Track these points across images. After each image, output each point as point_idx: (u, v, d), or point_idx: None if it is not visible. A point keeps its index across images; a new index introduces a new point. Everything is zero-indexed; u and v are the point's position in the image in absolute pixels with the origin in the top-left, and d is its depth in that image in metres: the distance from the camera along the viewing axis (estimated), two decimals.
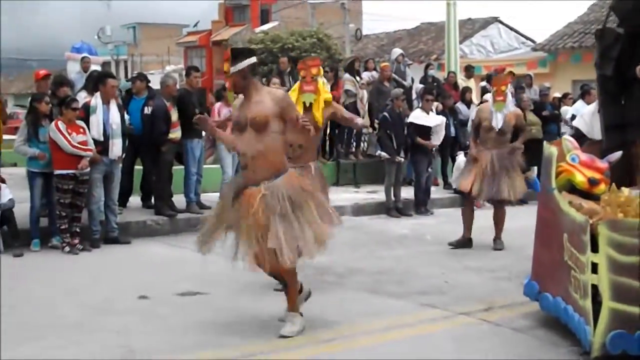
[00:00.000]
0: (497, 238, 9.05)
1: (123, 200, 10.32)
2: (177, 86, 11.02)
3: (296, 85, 7.10)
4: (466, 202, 9.18)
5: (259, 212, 5.31)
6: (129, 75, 31.77)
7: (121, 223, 9.49)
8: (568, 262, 5.23)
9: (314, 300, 6.08)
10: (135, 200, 10.86)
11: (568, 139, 6.07)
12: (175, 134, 10.16)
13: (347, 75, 14.27)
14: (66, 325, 5.84)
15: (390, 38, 35.22)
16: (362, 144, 14.93)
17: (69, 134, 8.64)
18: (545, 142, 6.20)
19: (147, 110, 10.11)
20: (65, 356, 5.15)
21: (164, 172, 10.21)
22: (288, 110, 5.51)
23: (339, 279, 7.51)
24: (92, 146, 8.83)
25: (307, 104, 6.85)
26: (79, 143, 8.67)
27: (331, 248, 8.86)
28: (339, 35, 32.79)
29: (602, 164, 5.82)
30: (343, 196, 12.41)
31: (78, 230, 8.82)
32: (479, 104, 13.97)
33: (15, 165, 13.95)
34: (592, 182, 5.63)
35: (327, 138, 14.34)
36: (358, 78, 14.40)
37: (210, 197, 10.56)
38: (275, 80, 11.39)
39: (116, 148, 9.08)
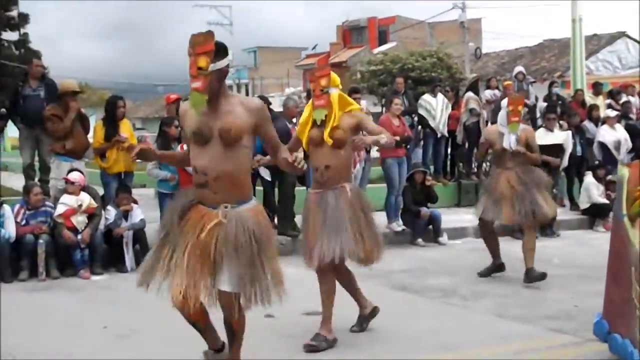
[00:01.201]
0: (528, 269, 8.01)
1: None
2: (298, 108, 11.17)
3: (310, 102, 6.17)
4: (483, 229, 8.69)
5: (211, 240, 4.39)
6: None
7: None
8: (634, 300, 4.68)
9: (439, 324, 5.97)
10: None
11: None
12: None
13: (471, 94, 14.07)
14: (192, 338, 5.97)
15: (511, 56, 34.66)
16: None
17: None
18: (619, 164, 5.75)
19: None
20: None
21: (287, 193, 10.36)
22: (264, 126, 4.67)
23: (464, 302, 7.40)
24: None
25: (319, 122, 5.90)
26: None
27: (455, 270, 8.88)
28: (459, 55, 32.50)
29: None
30: (465, 217, 12.21)
31: None
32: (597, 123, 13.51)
33: (144, 186, 14.49)
34: None
35: (447, 158, 14.23)
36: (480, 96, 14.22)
37: None
38: (397, 100, 11.26)
39: None
